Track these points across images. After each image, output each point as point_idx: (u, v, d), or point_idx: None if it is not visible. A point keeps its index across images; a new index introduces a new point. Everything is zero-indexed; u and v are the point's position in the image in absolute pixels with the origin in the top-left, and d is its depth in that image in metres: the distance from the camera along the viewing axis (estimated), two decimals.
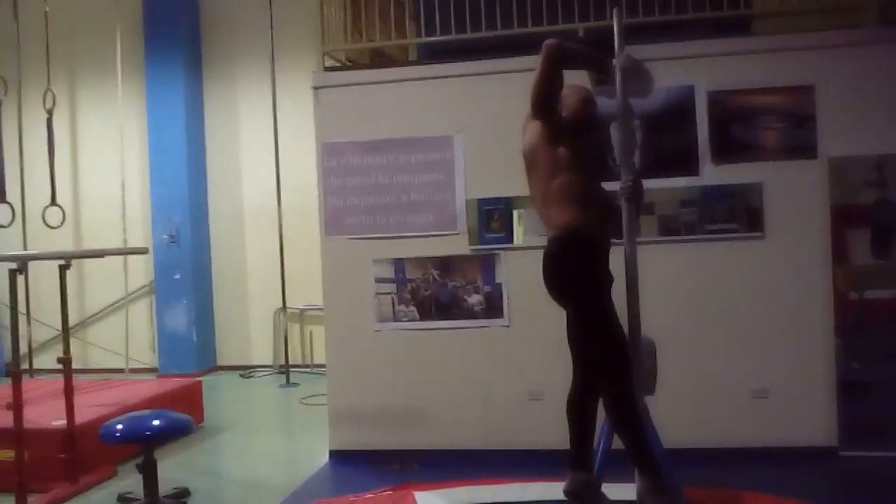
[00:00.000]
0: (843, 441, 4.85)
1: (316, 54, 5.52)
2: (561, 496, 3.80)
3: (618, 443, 3.72)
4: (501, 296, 5.18)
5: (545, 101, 3.74)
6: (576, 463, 3.80)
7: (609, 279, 3.75)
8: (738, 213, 4.95)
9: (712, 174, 4.96)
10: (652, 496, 3.60)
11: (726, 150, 4.95)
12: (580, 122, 3.85)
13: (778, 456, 4.80)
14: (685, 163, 4.98)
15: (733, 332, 4.96)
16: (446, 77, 5.27)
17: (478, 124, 5.21)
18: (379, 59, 5.93)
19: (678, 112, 4.97)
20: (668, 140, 5.00)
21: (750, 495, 4.24)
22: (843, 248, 4.89)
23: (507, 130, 5.02)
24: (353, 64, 5.76)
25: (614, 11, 3.82)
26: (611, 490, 3.82)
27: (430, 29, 5.47)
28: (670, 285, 4.87)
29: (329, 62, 5.58)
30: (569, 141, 3.76)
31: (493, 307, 5.20)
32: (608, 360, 3.68)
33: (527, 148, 3.85)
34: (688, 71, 4.97)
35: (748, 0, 5.19)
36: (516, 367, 5.16)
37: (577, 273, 3.71)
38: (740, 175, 4.94)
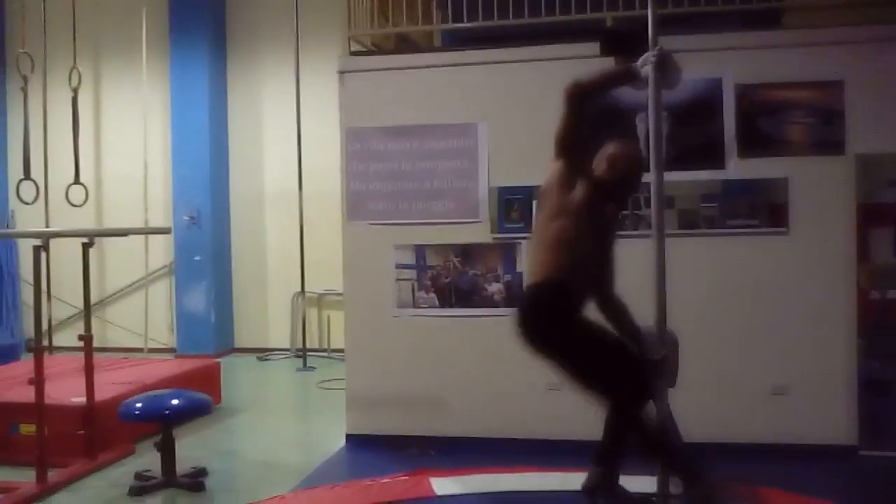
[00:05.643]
0: (863, 440, 4.82)
1: (341, 38, 5.50)
2: (578, 487, 3.79)
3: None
4: (521, 285, 5.17)
5: (566, 145, 3.61)
6: (600, 460, 3.76)
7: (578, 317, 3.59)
8: (760, 208, 4.91)
9: (738, 168, 4.92)
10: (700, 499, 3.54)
11: (753, 143, 4.91)
12: (608, 183, 3.67)
13: (797, 453, 4.77)
14: (710, 156, 4.94)
15: (754, 327, 4.93)
16: (471, 64, 5.26)
17: (502, 112, 5.19)
18: (404, 45, 5.92)
19: (705, 105, 4.93)
20: (694, 133, 4.96)
21: (768, 492, 4.23)
22: (867, 247, 4.84)
23: (531, 119, 5.04)
24: (378, 49, 5.75)
25: (650, 1, 3.74)
26: (631, 482, 3.79)
27: (457, 15, 5.45)
28: (691, 279, 4.81)
29: (354, 47, 5.57)
30: (584, 190, 3.58)
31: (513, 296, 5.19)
32: (622, 387, 3.55)
33: (544, 186, 3.73)
34: (716, 64, 4.92)
35: None
36: (535, 357, 5.13)
37: (548, 318, 3.57)
38: (766, 169, 4.90)
